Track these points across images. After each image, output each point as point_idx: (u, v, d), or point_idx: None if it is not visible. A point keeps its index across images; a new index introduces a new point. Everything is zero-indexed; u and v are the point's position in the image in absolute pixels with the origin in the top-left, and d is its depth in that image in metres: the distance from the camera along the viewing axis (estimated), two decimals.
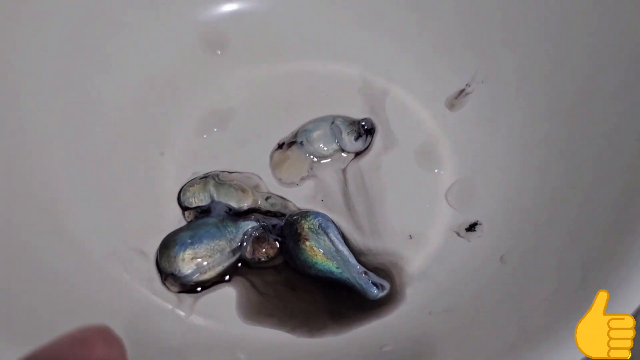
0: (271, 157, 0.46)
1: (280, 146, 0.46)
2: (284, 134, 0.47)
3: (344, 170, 0.45)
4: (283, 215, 0.43)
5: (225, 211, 0.42)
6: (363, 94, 0.49)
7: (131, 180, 0.44)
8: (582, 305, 0.31)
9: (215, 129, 0.47)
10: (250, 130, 0.47)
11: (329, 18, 0.50)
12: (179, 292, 0.40)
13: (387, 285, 0.40)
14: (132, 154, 0.45)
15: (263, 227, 0.41)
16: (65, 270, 0.38)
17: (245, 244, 0.41)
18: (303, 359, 0.38)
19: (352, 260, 0.40)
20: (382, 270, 0.41)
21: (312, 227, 0.41)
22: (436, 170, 0.46)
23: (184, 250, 0.40)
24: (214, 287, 0.41)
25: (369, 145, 0.46)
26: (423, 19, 0.48)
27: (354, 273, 0.40)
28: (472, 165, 0.45)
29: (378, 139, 0.47)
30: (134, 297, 0.40)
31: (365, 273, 0.40)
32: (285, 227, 0.42)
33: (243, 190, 0.43)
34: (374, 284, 0.40)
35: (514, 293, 0.37)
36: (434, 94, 0.48)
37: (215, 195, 0.43)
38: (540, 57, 0.43)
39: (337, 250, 0.40)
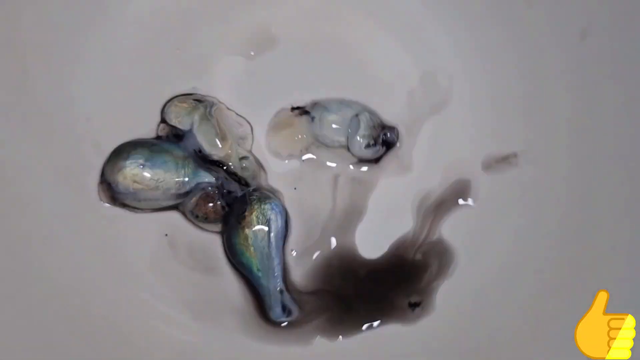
0: (276, 114, 0.41)
1: (293, 109, 0.41)
2: (309, 97, 0.42)
3: (336, 171, 0.41)
4: (247, 185, 0.39)
5: (194, 149, 0.39)
6: (411, 97, 0.42)
7: (133, 65, 0.41)
8: (582, 305, 0.31)
9: (252, 53, 0.42)
10: (278, 72, 0.42)
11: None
12: (106, 202, 0.38)
13: (295, 313, 0.38)
14: (149, 39, 0.41)
15: (218, 187, 0.38)
16: None
17: (192, 193, 0.38)
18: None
19: (277, 272, 0.38)
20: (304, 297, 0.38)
21: (260, 216, 0.38)
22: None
23: (132, 168, 0.37)
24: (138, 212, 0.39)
25: (379, 158, 0.41)
26: (525, 61, 0.41)
27: (270, 285, 0.37)
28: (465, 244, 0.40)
29: (393, 155, 0.41)
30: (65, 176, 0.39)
31: (282, 292, 0.37)
32: (237, 201, 0.38)
33: (223, 138, 0.39)
34: (284, 306, 0.37)
35: None
36: (477, 145, 0.41)
37: (195, 127, 0.39)
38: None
39: (269, 254, 0.37)
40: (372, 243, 0.40)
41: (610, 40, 0.38)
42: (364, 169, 0.41)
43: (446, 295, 0.39)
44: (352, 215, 0.40)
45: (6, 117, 0.37)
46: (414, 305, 0.38)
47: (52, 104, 0.39)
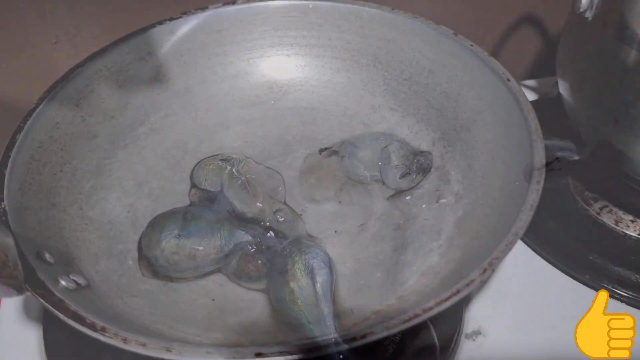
0: (305, 159, 0.41)
1: (321, 151, 0.41)
2: (337, 137, 0.41)
3: (376, 206, 0.40)
4: (285, 237, 0.38)
5: (227, 210, 0.39)
6: (442, 115, 0.41)
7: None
8: (582, 305, 0.31)
9: (272, 102, 0.42)
10: (301, 116, 0.41)
11: None
12: (149, 277, 0.38)
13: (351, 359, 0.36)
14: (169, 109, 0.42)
15: (256, 245, 0.38)
16: None
17: (232, 255, 0.38)
18: None
19: (329, 320, 0.36)
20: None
21: (303, 267, 0.37)
22: None
23: (168, 240, 0.37)
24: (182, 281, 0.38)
25: (415, 185, 0.40)
26: None
27: (325, 336, 0.36)
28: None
29: (431, 178, 0.40)
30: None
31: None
32: (278, 255, 0.38)
33: (254, 195, 0.39)
34: (339, 354, 0.36)
35: None
36: (519, 153, 0.39)
37: (225, 187, 0.39)
38: None
39: (317, 305, 0.36)
40: (425, 274, 0.38)
41: None
42: (407, 198, 0.39)
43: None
44: (401, 248, 0.39)
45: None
46: None
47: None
